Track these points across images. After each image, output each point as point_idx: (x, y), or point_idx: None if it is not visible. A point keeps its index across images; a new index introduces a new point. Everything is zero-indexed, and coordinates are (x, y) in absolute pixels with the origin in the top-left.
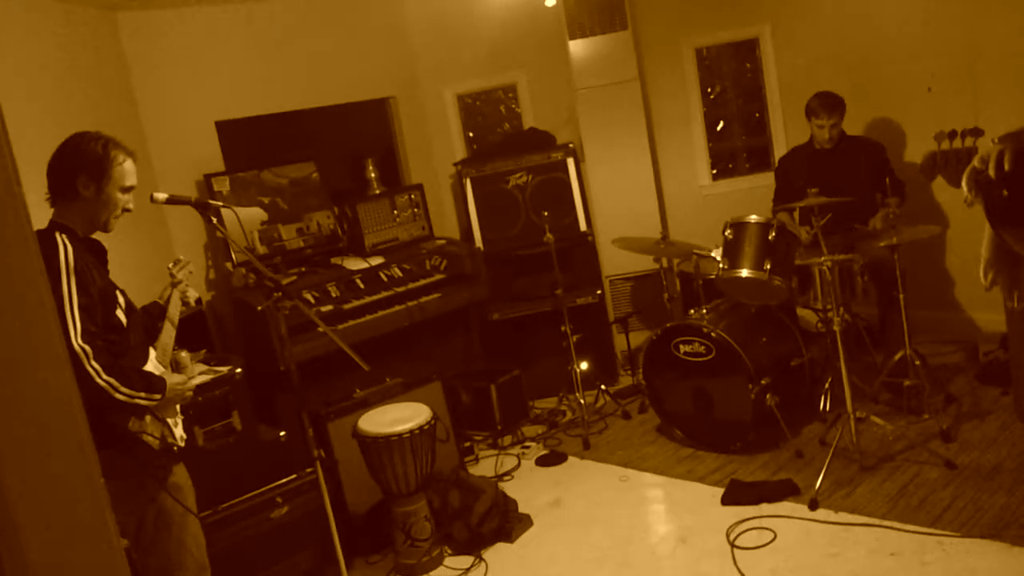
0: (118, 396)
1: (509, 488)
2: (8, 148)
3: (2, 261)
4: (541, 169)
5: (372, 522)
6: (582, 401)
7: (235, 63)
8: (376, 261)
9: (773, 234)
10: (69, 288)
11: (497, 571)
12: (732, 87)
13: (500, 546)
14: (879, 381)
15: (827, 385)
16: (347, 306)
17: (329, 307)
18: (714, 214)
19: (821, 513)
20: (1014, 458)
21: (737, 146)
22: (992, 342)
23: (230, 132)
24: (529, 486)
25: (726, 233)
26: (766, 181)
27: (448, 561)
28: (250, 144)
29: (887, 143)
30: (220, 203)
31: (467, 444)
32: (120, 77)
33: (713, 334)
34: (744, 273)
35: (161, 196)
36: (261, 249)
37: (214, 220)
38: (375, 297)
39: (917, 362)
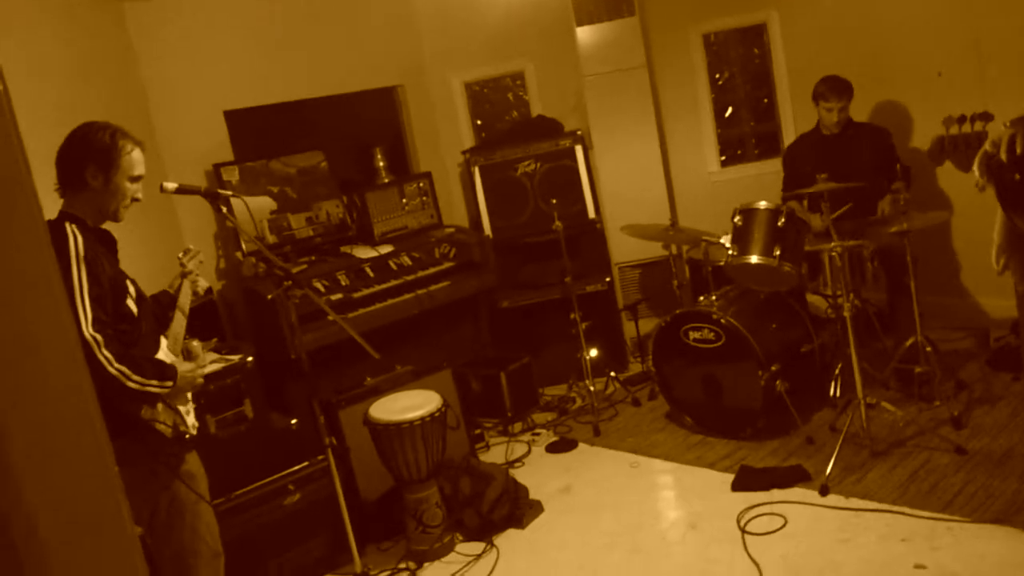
0: (130, 384)
1: (520, 475)
2: (18, 139)
3: (14, 251)
4: (549, 157)
5: (384, 509)
6: (592, 388)
7: (243, 52)
8: (385, 249)
9: (783, 220)
10: (80, 277)
11: (508, 557)
12: (740, 73)
13: (511, 532)
14: (890, 367)
15: (837, 371)
16: (357, 295)
17: (339, 296)
18: (723, 200)
19: (832, 499)
20: None
21: (746, 132)
22: (1002, 328)
23: (239, 122)
24: (539, 473)
25: (735, 219)
26: (775, 167)
27: (459, 547)
28: (259, 134)
29: (894, 128)
30: (230, 193)
31: (477, 431)
32: (128, 67)
33: (723, 320)
34: (754, 259)
35: (171, 186)
36: (271, 238)
37: (224, 209)
38: (385, 285)
39: (928, 348)
